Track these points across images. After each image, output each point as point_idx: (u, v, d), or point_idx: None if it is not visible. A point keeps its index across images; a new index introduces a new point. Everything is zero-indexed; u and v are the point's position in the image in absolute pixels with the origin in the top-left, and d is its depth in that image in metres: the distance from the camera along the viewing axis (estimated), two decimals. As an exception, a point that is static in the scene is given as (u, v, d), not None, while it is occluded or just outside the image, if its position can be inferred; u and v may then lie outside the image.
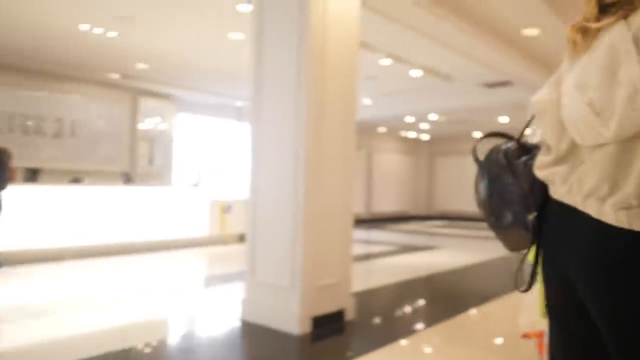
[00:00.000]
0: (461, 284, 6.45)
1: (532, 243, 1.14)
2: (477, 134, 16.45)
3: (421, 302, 5.45)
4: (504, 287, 5.61)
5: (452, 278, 6.76)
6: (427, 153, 18.60)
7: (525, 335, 3.93)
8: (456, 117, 13.23)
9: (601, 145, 0.94)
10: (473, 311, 4.76)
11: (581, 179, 0.98)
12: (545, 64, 7.80)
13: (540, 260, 1.14)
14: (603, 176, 0.94)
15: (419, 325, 4.28)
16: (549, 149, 1.08)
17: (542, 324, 2.85)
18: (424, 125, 15.29)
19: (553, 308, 1.13)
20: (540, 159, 1.10)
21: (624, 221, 0.90)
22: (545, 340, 1.52)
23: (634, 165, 0.90)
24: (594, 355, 1.04)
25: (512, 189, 1.17)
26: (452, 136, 17.31)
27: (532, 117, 1.19)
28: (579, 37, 1.03)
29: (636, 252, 0.89)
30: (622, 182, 0.92)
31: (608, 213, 0.93)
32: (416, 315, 4.80)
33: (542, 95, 1.11)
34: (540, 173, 1.09)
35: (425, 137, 18.02)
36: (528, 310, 3.54)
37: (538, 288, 2.94)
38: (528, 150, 1.18)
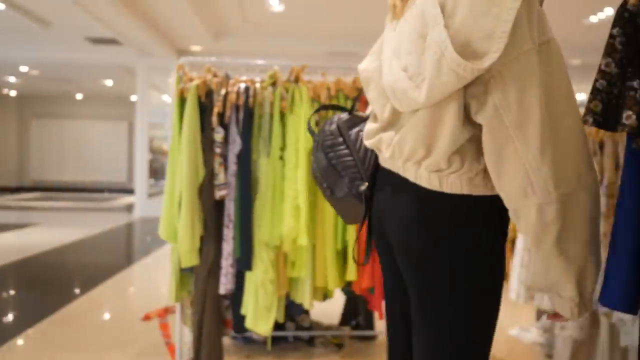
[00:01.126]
0: (65, 267, 5.52)
1: (365, 214, 1.17)
2: (80, 96, 15.05)
3: (10, 298, 4.33)
4: (115, 265, 5.10)
5: (54, 260, 5.74)
6: (16, 113, 15.75)
7: (146, 317, 3.59)
8: (54, 72, 11.50)
9: (417, 110, 0.97)
10: (80, 300, 4.04)
11: (401, 144, 1.01)
12: (159, 27, 7.46)
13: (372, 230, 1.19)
14: (418, 140, 0.98)
15: (5, 333, 3.28)
16: (375, 117, 1.12)
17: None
18: (11, 79, 12.76)
19: (383, 276, 1.21)
20: (368, 127, 1.13)
21: (436, 184, 1.00)
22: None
23: (443, 129, 0.94)
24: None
25: (345, 160, 1.18)
26: (51, 95, 15.19)
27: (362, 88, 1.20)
28: (398, 1, 1.05)
29: (450, 212, 1.00)
30: (433, 146, 0.97)
31: (423, 176, 1.01)
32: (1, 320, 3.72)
33: (366, 63, 1.13)
34: (368, 142, 1.12)
35: (13, 93, 15.18)
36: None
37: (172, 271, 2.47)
38: (361, 121, 1.21)
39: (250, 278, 2.48)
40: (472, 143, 0.98)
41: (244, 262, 2.44)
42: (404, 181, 1.05)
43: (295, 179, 2.44)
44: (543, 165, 0.89)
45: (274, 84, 2.58)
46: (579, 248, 0.93)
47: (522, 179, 0.91)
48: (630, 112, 1.13)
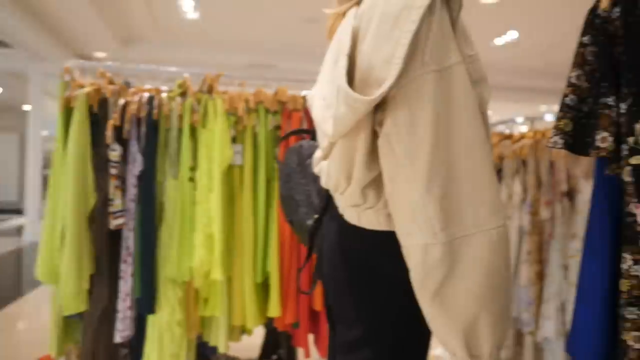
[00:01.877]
0: None
1: (310, 248, 1.13)
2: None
3: None
4: (0, 298, 4.39)
5: None
6: None
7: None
8: None
9: (336, 140, 0.91)
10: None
11: (329, 174, 0.98)
12: (55, 28, 6.77)
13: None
14: (339, 172, 0.93)
15: None
16: (320, 143, 1.06)
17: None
18: None
19: (325, 304, 1.14)
20: (316, 155, 1.09)
21: (355, 219, 0.96)
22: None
23: (355, 163, 0.89)
24: None
25: (302, 190, 1.17)
26: None
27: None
28: (330, 21, 1.01)
29: (368, 248, 0.95)
30: (351, 178, 0.92)
31: (345, 210, 0.98)
32: None
33: (313, 89, 1.07)
34: (315, 169, 1.08)
35: None
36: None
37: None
38: None
39: (154, 321, 2.11)
40: None
41: (145, 303, 2.07)
42: (336, 210, 1.02)
43: (208, 204, 2.12)
44: (429, 202, 0.80)
45: (183, 94, 2.25)
46: (466, 302, 0.81)
47: (409, 214, 0.82)
48: (605, 134, 0.96)
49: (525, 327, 2.58)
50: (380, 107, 0.84)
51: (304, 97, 2.44)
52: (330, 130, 0.86)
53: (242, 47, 7.73)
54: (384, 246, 0.92)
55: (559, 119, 0.99)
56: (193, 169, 2.17)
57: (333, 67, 0.89)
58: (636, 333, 0.88)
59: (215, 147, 2.15)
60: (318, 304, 2.28)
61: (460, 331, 0.82)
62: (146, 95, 2.16)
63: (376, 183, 0.90)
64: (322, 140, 1.02)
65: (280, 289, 2.26)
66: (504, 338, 0.83)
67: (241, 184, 2.30)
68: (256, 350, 2.92)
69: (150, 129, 2.13)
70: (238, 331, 2.34)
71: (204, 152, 2.16)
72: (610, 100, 0.95)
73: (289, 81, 2.60)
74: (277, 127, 2.37)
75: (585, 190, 2.55)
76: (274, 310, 2.23)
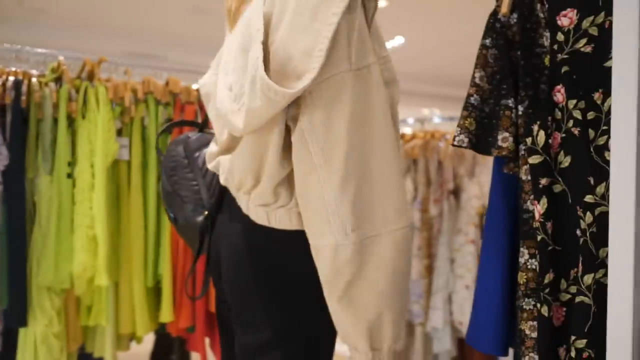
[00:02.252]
0: None
1: (200, 246, 1.04)
2: None
3: None
4: None
5: None
6: None
7: None
8: None
9: (245, 135, 0.86)
10: None
11: (232, 171, 0.92)
12: None
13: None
14: (246, 169, 0.89)
15: None
16: (217, 137, 1.01)
17: None
18: None
19: (217, 307, 1.11)
20: (210, 149, 1.03)
21: (264, 219, 0.90)
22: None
23: (267, 159, 0.85)
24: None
25: (189, 185, 1.07)
26: None
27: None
28: (233, 5, 0.95)
29: (279, 248, 0.90)
30: (261, 176, 0.87)
31: (251, 209, 0.91)
32: None
33: (205, 77, 1.04)
34: (210, 165, 1.02)
35: None
36: None
37: None
38: (210, 142, 1.08)
39: (27, 334, 1.87)
40: None
41: (15, 315, 1.82)
42: (238, 209, 0.95)
43: (90, 203, 1.93)
44: (342, 202, 0.79)
45: (58, 80, 2.02)
46: (372, 300, 0.83)
47: (321, 214, 0.81)
48: (506, 134, 1.00)
49: (415, 318, 2.70)
50: (294, 101, 0.80)
51: (197, 90, 2.32)
52: (240, 123, 0.81)
53: (123, 33, 7.24)
54: (295, 245, 0.89)
55: (464, 118, 1.02)
56: (72, 164, 1.97)
57: (241, 54, 0.84)
58: (532, 323, 0.93)
59: (98, 141, 1.96)
60: (214, 306, 2.18)
61: (365, 329, 0.84)
62: (12, 79, 1.91)
63: (288, 181, 0.87)
64: (221, 133, 0.97)
65: (174, 292, 2.13)
66: (402, 332, 0.87)
67: (128, 181, 2.12)
68: (146, 358, 2.75)
69: (17, 118, 1.88)
70: (127, 339, 2.17)
71: (84, 146, 1.96)
72: (510, 102, 1.00)
73: (179, 72, 2.46)
74: (169, 120, 2.23)
75: (469, 188, 2.73)
76: (166, 315, 2.09)
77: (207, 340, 2.25)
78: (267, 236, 0.91)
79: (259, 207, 0.90)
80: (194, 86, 2.33)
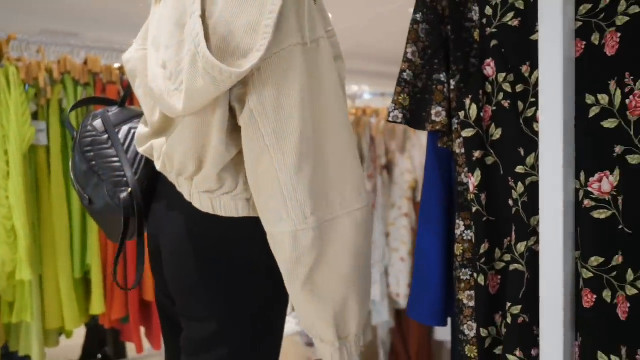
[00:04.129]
0: None
1: (126, 227, 0.93)
2: None
3: None
4: None
5: None
6: None
7: None
8: None
9: (184, 116, 0.79)
10: None
11: (170, 155, 0.86)
12: None
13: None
14: (187, 153, 0.82)
15: None
16: (145, 120, 0.94)
17: None
18: None
19: (157, 299, 1.04)
20: (139, 131, 0.95)
21: (208, 206, 0.85)
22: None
23: (210, 143, 0.79)
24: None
25: (109, 161, 0.96)
26: None
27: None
28: None
29: (225, 235, 0.86)
30: (203, 160, 0.82)
31: (194, 196, 0.86)
32: None
33: (131, 52, 0.95)
34: (140, 149, 0.94)
35: None
36: None
37: None
38: (135, 117, 1.02)
39: (-59, 338, 1.73)
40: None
41: None
42: (179, 195, 0.88)
43: (6, 192, 1.79)
44: (299, 184, 0.75)
45: (-39, 60, 1.84)
46: (336, 285, 0.81)
47: (277, 199, 0.77)
48: (439, 109, 1.01)
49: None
50: (239, 81, 0.73)
51: (120, 69, 2.19)
52: (179, 104, 0.74)
53: (36, 9, 6.70)
54: (241, 233, 0.86)
55: (397, 94, 1.02)
56: (-18, 151, 1.81)
57: (176, 28, 0.77)
58: (469, 292, 0.96)
59: (11, 125, 1.82)
60: (149, 294, 2.11)
61: (331, 316, 0.81)
62: None
63: (234, 165, 0.82)
64: (152, 114, 0.90)
65: (104, 282, 2.03)
66: (369, 319, 0.85)
67: (48, 168, 1.98)
68: (78, 352, 2.63)
69: None
70: (55, 335, 2.05)
71: (-4, 131, 1.81)
72: (442, 77, 1.01)
73: (98, 50, 2.31)
74: (90, 102, 2.09)
75: (401, 163, 2.78)
76: (97, 307, 2.00)
77: (142, 330, 2.18)
78: (211, 224, 0.86)
79: (203, 193, 0.85)
80: (116, 65, 2.20)
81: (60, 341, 2.14)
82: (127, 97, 1.10)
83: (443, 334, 2.68)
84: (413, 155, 2.79)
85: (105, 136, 0.99)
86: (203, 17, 0.73)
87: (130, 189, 0.93)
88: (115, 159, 0.96)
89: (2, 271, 1.74)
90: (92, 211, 1.02)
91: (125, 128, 1.00)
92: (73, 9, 6.69)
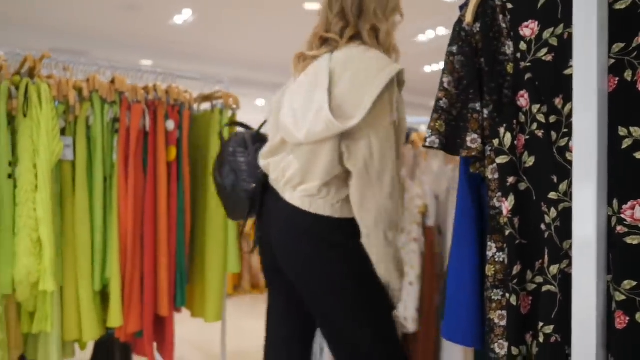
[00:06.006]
0: None
1: (250, 210, 1.50)
2: None
3: None
4: None
5: None
6: None
7: None
8: None
9: (300, 145, 1.33)
10: None
11: (285, 169, 1.37)
12: None
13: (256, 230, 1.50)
14: (298, 169, 1.33)
15: None
16: (269, 141, 1.48)
17: None
18: None
19: (264, 269, 1.53)
20: (263, 150, 1.49)
21: (307, 205, 1.33)
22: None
23: (318, 164, 1.31)
24: (293, 309, 1.49)
25: (241, 164, 1.55)
26: None
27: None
28: (300, 60, 1.41)
29: (315, 227, 1.33)
30: (310, 175, 1.32)
31: (296, 199, 1.34)
32: None
33: (275, 97, 1.48)
34: (262, 162, 1.47)
35: None
36: None
37: None
38: (265, 140, 1.56)
39: (-37, 347, 1.75)
40: (338, 179, 1.32)
41: (-48, 326, 1.70)
42: (282, 199, 1.37)
43: (34, 205, 1.83)
44: (391, 204, 1.29)
45: (-5, 76, 1.90)
46: (399, 256, 1.35)
47: (376, 214, 1.29)
48: (475, 136, 1.06)
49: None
50: (348, 135, 1.26)
51: (145, 88, 2.25)
52: (302, 137, 1.28)
53: (46, 29, 6.82)
54: (328, 225, 1.33)
55: (434, 120, 1.07)
56: (13, 164, 1.85)
57: (310, 92, 1.29)
58: (501, 312, 1.00)
59: (42, 140, 1.86)
60: (163, 310, 2.13)
61: (398, 272, 1.36)
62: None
63: (330, 182, 1.31)
64: (274, 137, 1.42)
65: (122, 296, 2.06)
66: (400, 284, 1.38)
67: (73, 182, 2.03)
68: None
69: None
70: (72, 346, 2.07)
71: (26, 145, 1.86)
72: (477, 106, 1.06)
73: (123, 70, 2.38)
74: (116, 120, 2.15)
75: (411, 189, 2.83)
76: (114, 319, 2.02)
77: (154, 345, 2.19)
78: (305, 217, 1.32)
79: (305, 197, 1.31)
80: (140, 84, 2.27)
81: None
82: (262, 126, 1.65)
83: (451, 357, 2.68)
84: (423, 181, 2.83)
85: (243, 149, 1.56)
86: (330, 88, 1.26)
87: (254, 185, 1.47)
88: (245, 165, 1.52)
89: (27, 281, 1.77)
90: (224, 195, 1.58)
91: (257, 145, 1.54)
92: (81, 30, 6.75)
